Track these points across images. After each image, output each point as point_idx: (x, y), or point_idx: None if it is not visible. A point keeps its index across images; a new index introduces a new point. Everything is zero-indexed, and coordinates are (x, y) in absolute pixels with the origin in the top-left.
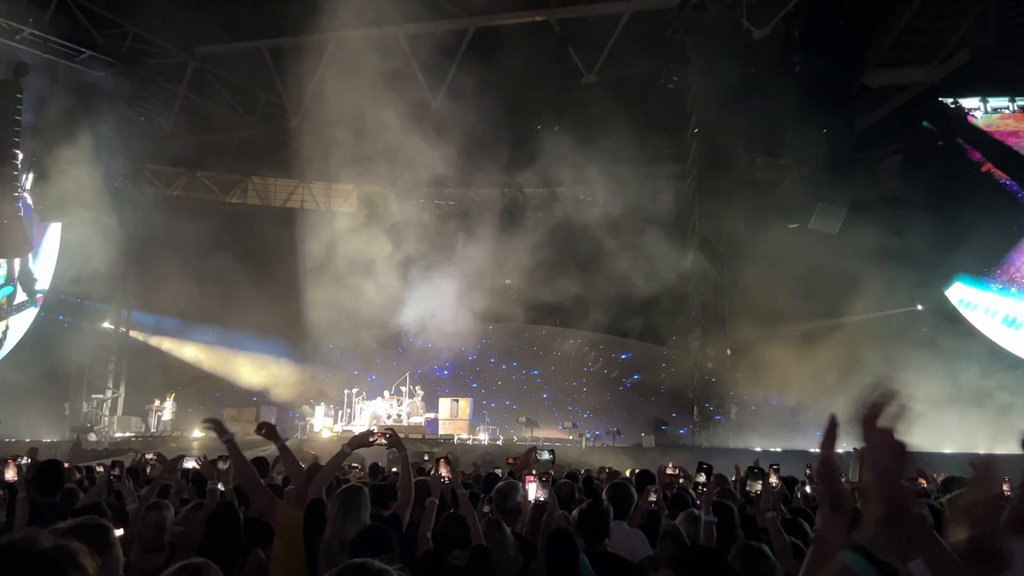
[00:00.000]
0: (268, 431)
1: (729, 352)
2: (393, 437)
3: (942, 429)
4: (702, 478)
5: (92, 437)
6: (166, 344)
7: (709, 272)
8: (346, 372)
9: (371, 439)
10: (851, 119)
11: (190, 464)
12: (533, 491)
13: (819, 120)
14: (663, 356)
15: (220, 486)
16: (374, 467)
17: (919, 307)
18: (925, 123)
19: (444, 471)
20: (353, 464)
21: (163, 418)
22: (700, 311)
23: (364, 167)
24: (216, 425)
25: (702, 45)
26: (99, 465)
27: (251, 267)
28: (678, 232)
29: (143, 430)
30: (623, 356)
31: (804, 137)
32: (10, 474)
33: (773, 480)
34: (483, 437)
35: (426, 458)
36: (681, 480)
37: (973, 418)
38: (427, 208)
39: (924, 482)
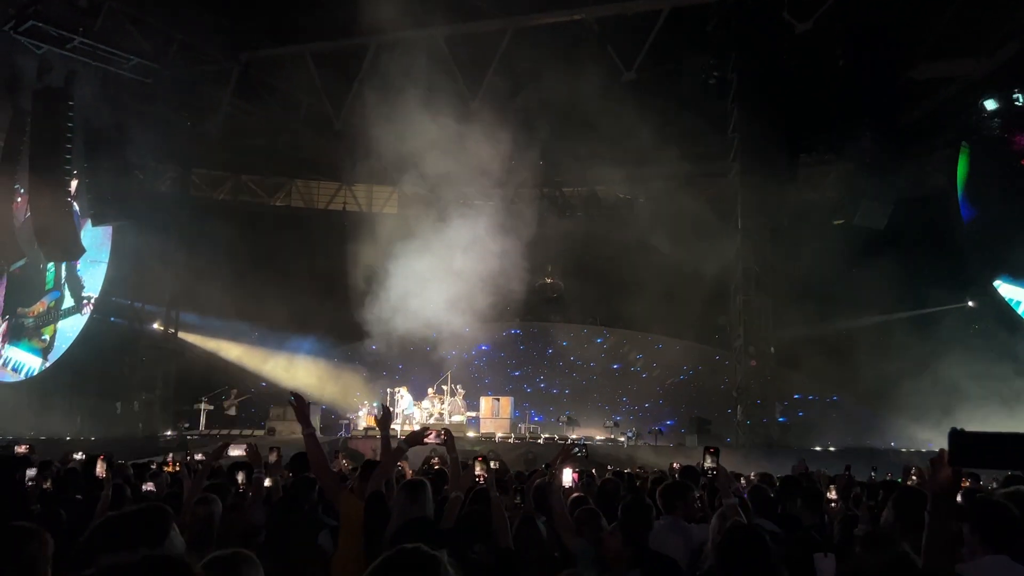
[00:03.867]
0: (384, 418)
1: (773, 350)
2: (449, 438)
3: (991, 429)
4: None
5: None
6: (212, 344)
7: (752, 269)
8: (387, 371)
9: (425, 437)
10: (896, 113)
11: (236, 452)
12: (568, 476)
13: (864, 114)
14: (707, 354)
15: (268, 481)
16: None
17: (970, 303)
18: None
19: (479, 469)
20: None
21: (230, 413)
22: (743, 308)
23: (404, 169)
24: (301, 415)
25: (743, 40)
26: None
27: (295, 268)
28: (721, 229)
29: (192, 428)
30: (667, 354)
31: (848, 132)
32: (99, 468)
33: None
34: (524, 435)
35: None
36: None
37: None
38: (467, 207)
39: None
